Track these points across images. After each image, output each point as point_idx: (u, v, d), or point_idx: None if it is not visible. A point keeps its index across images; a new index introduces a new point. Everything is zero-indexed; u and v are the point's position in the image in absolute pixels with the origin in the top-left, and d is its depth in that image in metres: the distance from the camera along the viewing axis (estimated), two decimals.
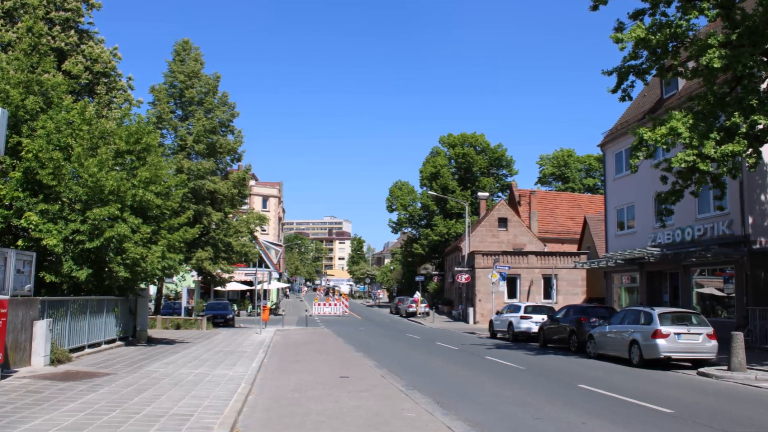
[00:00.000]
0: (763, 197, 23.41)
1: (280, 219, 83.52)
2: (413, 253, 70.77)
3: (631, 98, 20.47)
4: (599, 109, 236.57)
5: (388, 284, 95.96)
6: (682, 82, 28.07)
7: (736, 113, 16.83)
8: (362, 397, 11.67)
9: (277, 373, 15.36)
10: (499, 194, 70.48)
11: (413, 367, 17.53)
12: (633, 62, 19.33)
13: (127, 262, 18.01)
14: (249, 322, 42.61)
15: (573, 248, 50.20)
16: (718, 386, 14.49)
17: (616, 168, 33.25)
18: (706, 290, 26.86)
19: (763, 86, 17.76)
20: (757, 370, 15.81)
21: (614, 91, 19.88)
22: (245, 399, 10.89)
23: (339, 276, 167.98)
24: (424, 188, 68.63)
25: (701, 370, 16.59)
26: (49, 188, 16.97)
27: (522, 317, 28.42)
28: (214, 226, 34.66)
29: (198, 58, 35.19)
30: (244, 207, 44.07)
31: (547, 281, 45.61)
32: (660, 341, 17.43)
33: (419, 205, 72.13)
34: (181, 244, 21.18)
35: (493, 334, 31.11)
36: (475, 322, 43.91)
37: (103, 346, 18.39)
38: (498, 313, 32.68)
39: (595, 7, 19.79)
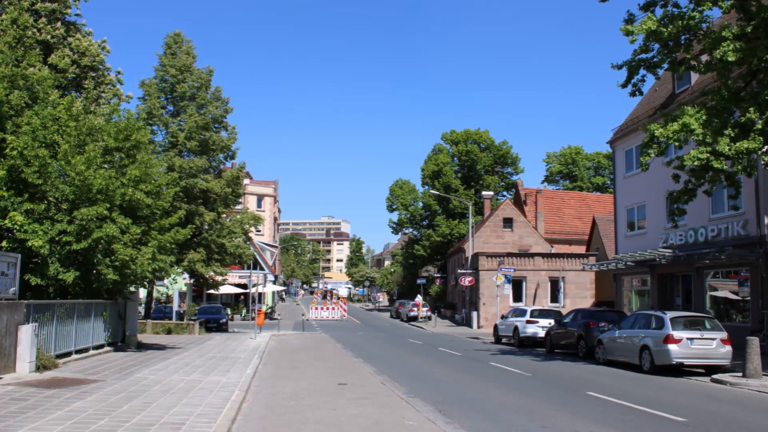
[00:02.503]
0: None
1: (275, 219, 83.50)
2: (414, 254, 70.75)
3: (641, 93, 20.48)
4: (608, 104, 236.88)
5: (389, 287, 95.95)
6: (695, 77, 28.08)
7: (751, 109, 16.83)
8: (361, 404, 11.68)
9: (272, 380, 15.37)
10: (504, 193, 70.49)
11: (414, 373, 17.53)
12: (644, 56, 19.33)
13: (116, 264, 18.01)
14: (243, 326, 42.62)
15: (581, 250, 50.20)
16: (732, 393, 14.50)
17: (626, 166, 33.25)
18: (719, 293, 26.87)
19: None
20: None
21: (624, 85, 19.88)
22: (239, 407, 10.89)
23: (337, 278, 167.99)
24: (426, 187, 68.61)
25: (715, 376, 16.60)
26: (35, 187, 16.97)
27: (528, 322, 28.42)
28: (206, 227, 34.64)
29: (190, 51, 35.18)
30: (238, 207, 44.11)
31: (554, 284, 45.61)
32: (672, 347, 17.43)
33: (421, 204, 72.12)
34: (173, 246, 21.17)
35: (497, 339, 31.11)
36: (479, 327, 43.90)
37: (91, 352, 18.40)
38: (503, 317, 32.69)
39: None
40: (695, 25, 18.05)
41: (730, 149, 16.52)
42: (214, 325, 37.17)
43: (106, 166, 19.38)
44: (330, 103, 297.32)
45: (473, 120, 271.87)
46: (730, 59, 16.55)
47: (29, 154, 16.49)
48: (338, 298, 74.00)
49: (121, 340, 21.87)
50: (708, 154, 16.82)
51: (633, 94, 20.07)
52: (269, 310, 59.16)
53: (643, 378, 17.09)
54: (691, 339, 17.54)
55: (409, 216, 72.82)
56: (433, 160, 68.45)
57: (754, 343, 15.84)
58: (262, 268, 56.71)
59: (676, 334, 17.54)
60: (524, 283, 45.66)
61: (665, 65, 19.72)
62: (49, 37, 23.41)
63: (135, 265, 18.42)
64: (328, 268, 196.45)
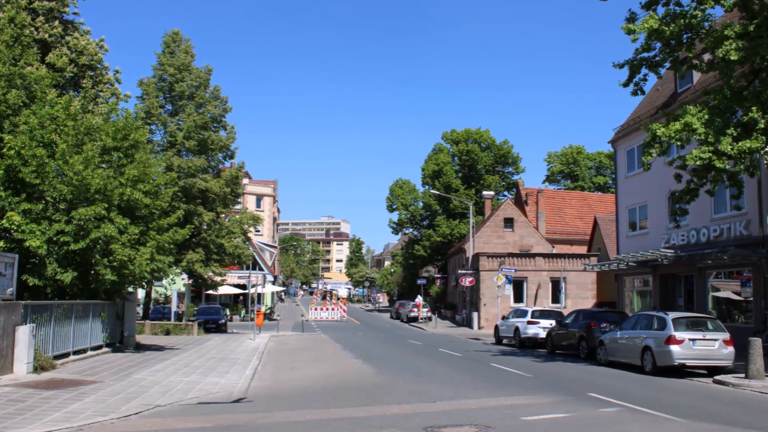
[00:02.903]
0: None
1: (274, 219, 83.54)
2: (415, 254, 70.76)
3: (643, 92, 20.48)
4: (610, 103, 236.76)
5: (389, 288, 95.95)
6: (697, 76, 28.07)
7: (753, 108, 16.83)
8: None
9: (271, 382, 15.37)
10: (505, 193, 70.50)
11: (415, 374, 17.53)
12: (646, 54, 19.34)
13: (114, 264, 18.02)
14: (242, 327, 42.62)
15: (582, 250, 50.20)
16: (734, 395, 14.50)
17: (627, 165, 33.25)
18: (722, 294, 26.87)
19: None
20: None
21: (626, 84, 19.89)
22: None
23: (337, 279, 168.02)
24: (426, 187, 68.63)
25: (717, 377, 16.60)
26: (33, 187, 16.98)
27: (529, 322, 28.41)
28: (205, 227, 34.65)
29: (188, 50, 35.19)
30: (237, 207, 44.10)
31: (556, 285, 45.61)
32: (674, 347, 17.44)
33: (421, 204, 72.12)
34: (171, 246, 21.18)
35: (498, 340, 31.12)
36: (479, 328, 43.90)
37: (89, 353, 18.40)
38: (504, 318, 32.70)
39: None
40: (697, 24, 18.05)
41: (732, 149, 16.52)
42: (213, 325, 37.16)
43: (104, 165, 19.39)
44: (329, 102, 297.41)
45: (474, 119, 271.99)
46: (732, 58, 16.55)
47: (27, 154, 16.50)
48: (338, 299, 73.97)
49: (120, 341, 21.88)
50: (710, 154, 16.82)
51: (635, 93, 20.06)
52: (268, 311, 59.18)
53: (644, 379, 17.09)
54: (693, 340, 17.54)
55: (409, 216, 72.83)
56: (433, 159, 68.46)
57: (756, 344, 15.84)
58: (261, 269, 56.77)
59: (678, 334, 17.55)
60: (525, 284, 45.66)
61: (667, 64, 19.71)
62: (46, 35, 23.43)
63: (133, 266, 18.43)
64: (327, 269, 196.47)
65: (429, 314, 54.02)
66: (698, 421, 10.93)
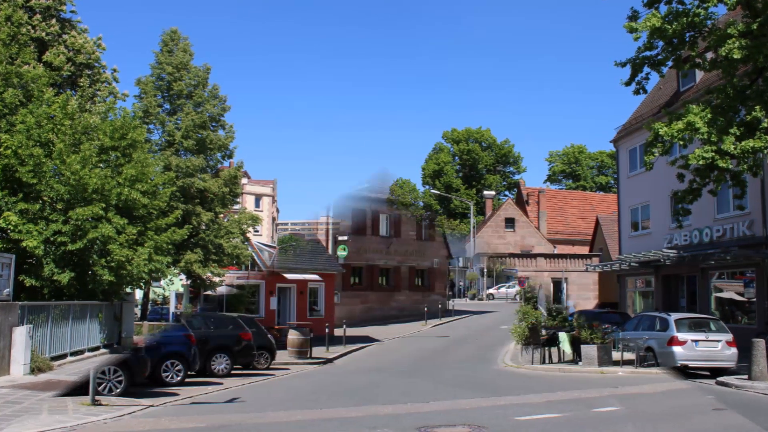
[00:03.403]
0: None
1: (273, 219, 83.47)
2: None
3: (645, 91, 20.46)
4: (612, 102, 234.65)
5: None
6: (699, 75, 28.05)
7: (757, 107, 16.82)
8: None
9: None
10: (506, 193, 70.58)
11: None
12: (648, 53, 19.33)
13: (112, 264, 17.96)
14: None
15: (584, 250, 50.18)
16: (737, 396, 14.48)
17: (630, 165, 33.23)
18: (725, 294, 26.85)
19: None
20: None
21: (628, 83, 19.87)
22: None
23: None
24: (427, 187, 68.67)
25: (720, 379, 16.59)
26: (29, 186, 16.95)
27: None
28: (203, 227, 34.53)
29: (187, 48, 35.08)
30: (236, 206, 43.97)
31: (557, 285, 45.60)
32: (676, 348, 17.42)
33: (421, 204, 72.12)
34: (169, 246, 21.13)
35: None
36: None
37: (87, 354, 18.36)
38: None
39: None
40: (700, 22, 18.03)
41: (735, 148, 16.50)
42: None
43: (101, 165, 19.32)
44: (330, 101, 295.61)
45: (474, 118, 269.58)
46: (735, 57, 16.54)
47: (24, 153, 16.48)
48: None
49: (117, 342, 21.82)
50: (713, 153, 16.80)
51: (637, 92, 20.05)
52: None
53: None
54: (696, 341, 17.53)
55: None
56: (433, 159, 68.49)
57: (760, 345, 15.82)
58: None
59: (681, 335, 17.53)
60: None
61: (670, 63, 19.72)
62: (43, 34, 23.42)
63: (131, 266, 18.36)
64: None
65: None
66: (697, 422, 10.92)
